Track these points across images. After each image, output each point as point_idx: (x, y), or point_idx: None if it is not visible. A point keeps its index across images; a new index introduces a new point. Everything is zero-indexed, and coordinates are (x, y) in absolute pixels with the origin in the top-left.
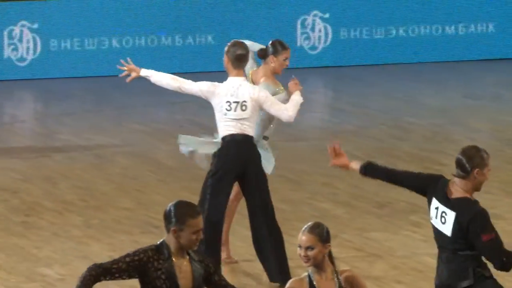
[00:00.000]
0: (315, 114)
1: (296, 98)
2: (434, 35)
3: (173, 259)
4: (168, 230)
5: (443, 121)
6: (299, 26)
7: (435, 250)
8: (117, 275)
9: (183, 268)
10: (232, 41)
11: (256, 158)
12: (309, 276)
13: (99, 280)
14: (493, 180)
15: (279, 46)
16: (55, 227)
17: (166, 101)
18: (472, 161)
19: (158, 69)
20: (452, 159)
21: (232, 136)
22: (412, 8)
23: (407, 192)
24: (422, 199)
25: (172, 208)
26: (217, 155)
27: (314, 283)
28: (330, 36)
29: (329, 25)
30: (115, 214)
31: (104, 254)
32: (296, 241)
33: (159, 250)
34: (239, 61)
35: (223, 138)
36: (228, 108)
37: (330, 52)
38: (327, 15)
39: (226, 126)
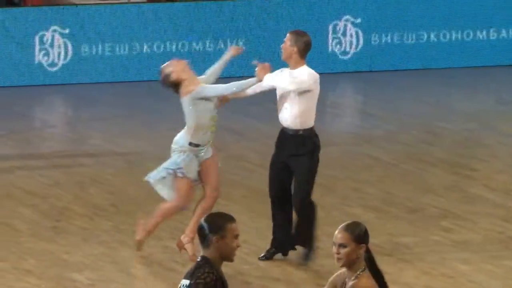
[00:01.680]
0: (346, 119)
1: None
2: (466, 40)
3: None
4: (208, 244)
5: (474, 126)
6: (330, 31)
7: (465, 256)
8: None
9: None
10: (293, 31)
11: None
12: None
13: None
14: None
15: None
16: (85, 232)
17: None
18: None
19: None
20: (483, 164)
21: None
22: (443, 13)
23: (438, 198)
24: (453, 205)
25: (205, 222)
26: (316, 150)
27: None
28: (361, 41)
29: (361, 30)
30: (145, 219)
31: (134, 259)
32: (326, 247)
33: (211, 265)
34: (308, 49)
35: (313, 128)
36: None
37: (361, 57)
38: (358, 20)
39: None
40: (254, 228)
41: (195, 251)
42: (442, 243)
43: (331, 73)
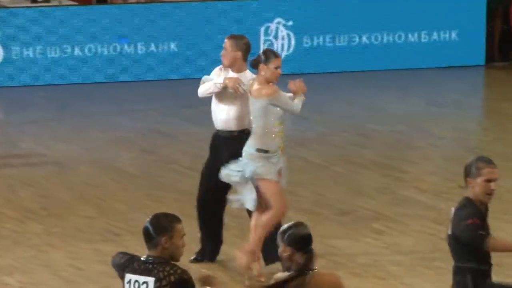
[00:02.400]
0: None
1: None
2: (397, 43)
3: None
4: (155, 245)
5: (405, 128)
6: (262, 33)
7: (397, 258)
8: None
9: None
10: (230, 36)
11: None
12: None
13: None
14: (455, 187)
15: (270, 54)
16: (16, 235)
17: (128, 109)
18: (465, 171)
19: (119, 77)
20: (414, 166)
21: None
22: (375, 16)
23: (370, 200)
24: (384, 207)
25: (151, 224)
26: None
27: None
28: (293, 43)
29: (292, 33)
30: (76, 222)
31: (65, 262)
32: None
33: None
34: (249, 51)
35: (247, 130)
36: None
37: (293, 60)
38: (290, 23)
39: None
40: (186, 231)
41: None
42: (374, 245)
43: None
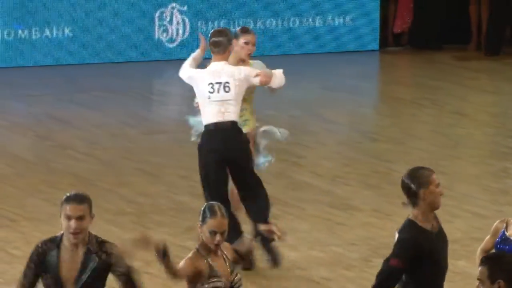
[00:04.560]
0: (173, 106)
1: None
2: (292, 28)
3: (61, 248)
4: None
5: (300, 113)
6: (157, 19)
7: (293, 242)
8: (33, 279)
9: (70, 258)
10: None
11: (242, 144)
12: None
13: None
14: (351, 172)
15: (238, 31)
16: None
17: (23, 94)
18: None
19: (14, 62)
20: (309, 151)
21: (215, 124)
22: (270, 1)
23: (266, 184)
24: (281, 192)
25: None
26: (200, 148)
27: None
28: (188, 28)
29: (187, 18)
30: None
31: None
32: (154, 234)
33: (53, 239)
34: (213, 46)
35: (206, 126)
36: (211, 90)
37: (188, 45)
38: (185, 8)
39: (209, 112)
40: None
41: None
42: None
43: (158, 61)
